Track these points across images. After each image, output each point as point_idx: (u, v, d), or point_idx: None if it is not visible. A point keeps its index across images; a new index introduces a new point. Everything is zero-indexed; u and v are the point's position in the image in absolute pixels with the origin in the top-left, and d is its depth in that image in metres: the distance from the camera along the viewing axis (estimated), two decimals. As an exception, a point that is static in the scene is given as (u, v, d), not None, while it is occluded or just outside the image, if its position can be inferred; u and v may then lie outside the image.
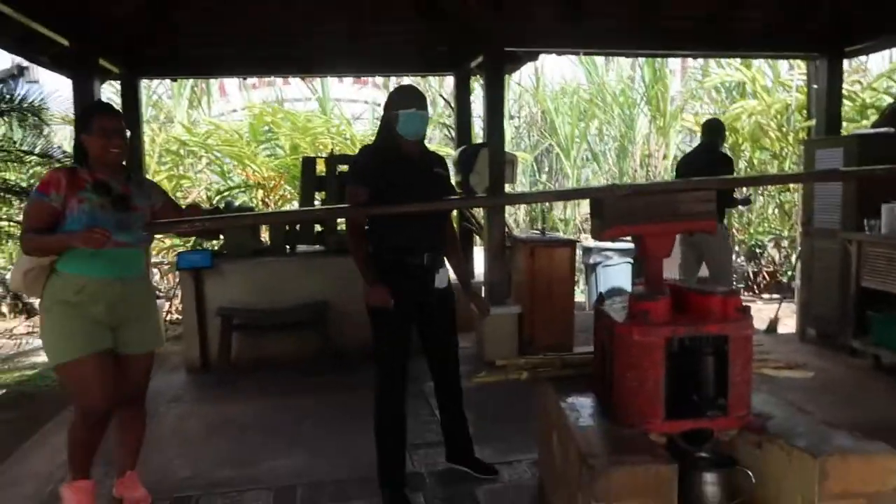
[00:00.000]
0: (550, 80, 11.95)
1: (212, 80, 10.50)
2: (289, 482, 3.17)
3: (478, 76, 6.34)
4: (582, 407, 2.45)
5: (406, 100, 2.87)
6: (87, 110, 2.81)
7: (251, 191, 8.21)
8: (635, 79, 10.83)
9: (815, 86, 6.32)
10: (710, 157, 5.50)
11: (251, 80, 10.91)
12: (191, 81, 10.11)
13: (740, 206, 7.37)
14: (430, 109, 3.08)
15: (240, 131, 9.07)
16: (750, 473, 2.19)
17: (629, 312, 2.27)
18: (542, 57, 8.15)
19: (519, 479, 3.19)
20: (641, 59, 9.96)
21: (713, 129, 5.67)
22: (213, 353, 5.06)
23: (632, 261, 8.21)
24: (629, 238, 9.35)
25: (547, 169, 11.88)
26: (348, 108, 12.00)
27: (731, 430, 2.26)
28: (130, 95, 5.98)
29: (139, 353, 2.81)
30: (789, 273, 8.39)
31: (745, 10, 5.73)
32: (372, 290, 2.84)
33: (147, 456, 3.12)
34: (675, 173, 6.52)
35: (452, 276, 3.13)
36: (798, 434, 2.16)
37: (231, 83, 11.53)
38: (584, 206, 10.63)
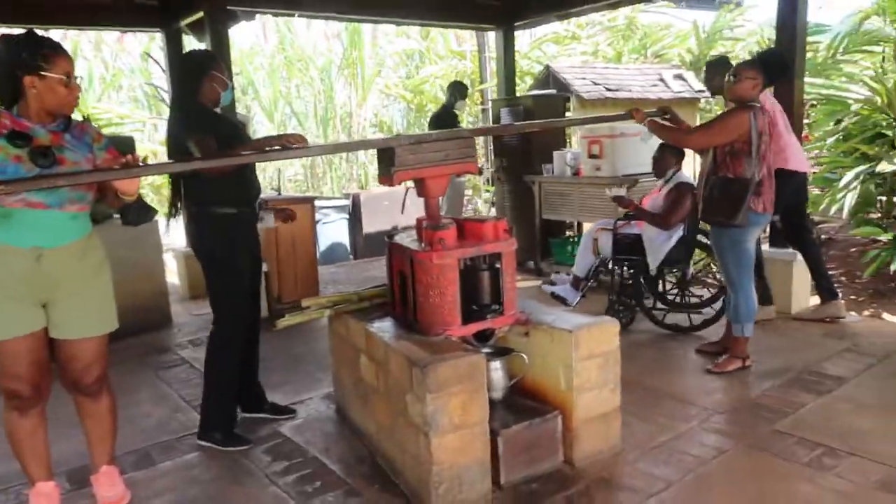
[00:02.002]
0: (238, 39, 11.61)
1: None
2: (80, 463, 2.98)
3: (188, 34, 6.08)
4: (388, 328, 2.85)
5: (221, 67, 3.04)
6: (39, 44, 2.19)
7: None
8: (332, 42, 11.23)
9: (492, 55, 7.47)
10: (447, 112, 6.71)
11: None
12: None
13: None
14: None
15: None
16: (524, 356, 2.83)
17: (427, 241, 2.71)
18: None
19: (316, 412, 3.48)
20: (341, 25, 10.37)
21: (449, 88, 6.83)
22: None
23: (347, 216, 8.78)
24: (344, 196, 9.89)
25: (253, 131, 11.70)
26: None
27: (506, 326, 2.88)
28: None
29: (77, 339, 2.39)
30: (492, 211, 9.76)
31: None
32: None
33: None
34: (428, 126, 7.51)
35: None
36: (551, 320, 2.86)
37: None
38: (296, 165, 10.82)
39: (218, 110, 3.15)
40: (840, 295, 4.78)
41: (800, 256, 4.78)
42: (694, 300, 4.72)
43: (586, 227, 5.71)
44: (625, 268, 4.57)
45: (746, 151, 3.43)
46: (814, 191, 7.09)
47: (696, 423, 3.14)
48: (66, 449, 2.98)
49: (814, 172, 7.81)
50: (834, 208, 5.90)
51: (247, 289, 3.15)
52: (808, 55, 7.73)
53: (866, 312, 5.24)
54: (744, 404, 3.33)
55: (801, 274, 4.82)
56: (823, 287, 4.66)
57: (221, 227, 3.00)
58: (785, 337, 4.29)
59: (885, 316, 5.14)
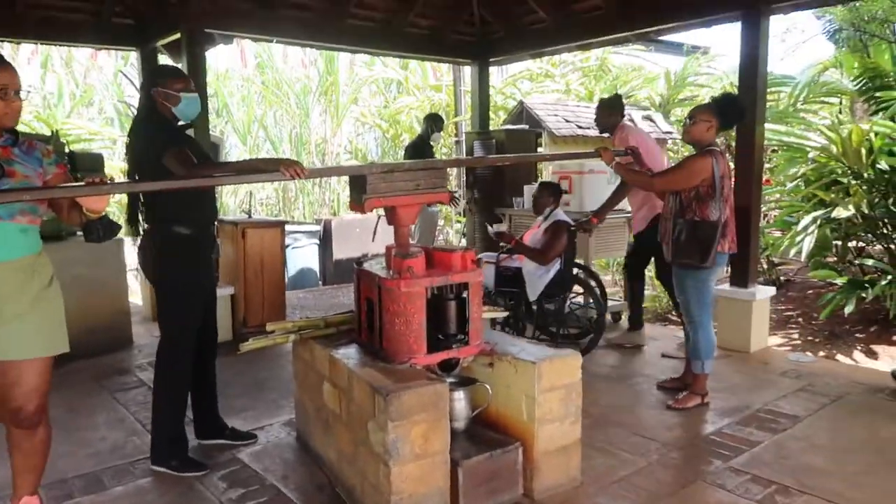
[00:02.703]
0: (214, 63, 11.63)
1: None
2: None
3: (164, 54, 6.08)
4: (353, 355, 2.85)
5: (184, 79, 2.96)
6: None
7: None
8: (309, 69, 11.31)
9: (467, 89, 7.60)
10: (422, 142, 6.74)
11: None
12: None
13: None
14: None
15: None
16: (487, 387, 2.85)
17: (395, 269, 2.73)
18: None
19: (277, 438, 3.44)
20: (315, 52, 10.46)
21: (425, 120, 6.85)
22: None
23: (318, 242, 8.76)
24: (316, 221, 9.85)
25: (225, 153, 11.66)
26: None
27: (471, 356, 2.90)
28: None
29: (19, 361, 2.25)
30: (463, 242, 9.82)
31: (415, 17, 6.60)
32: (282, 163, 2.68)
33: None
34: (403, 155, 7.52)
35: None
36: (516, 351, 2.89)
37: None
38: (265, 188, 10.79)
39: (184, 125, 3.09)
40: (644, 325, 5.22)
41: (759, 296, 4.91)
42: (573, 331, 4.92)
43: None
44: (506, 299, 4.68)
45: (711, 194, 3.53)
46: (773, 233, 7.32)
47: (656, 457, 3.17)
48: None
49: (774, 215, 8.10)
50: (793, 251, 6.08)
51: (198, 309, 3.10)
52: (771, 103, 8.07)
53: (821, 353, 5.39)
54: (701, 441, 3.38)
55: (759, 313, 4.95)
56: (635, 317, 5.10)
57: (177, 245, 2.96)
58: (743, 375, 4.38)
59: (840, 357, 5.29)
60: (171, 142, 2.82)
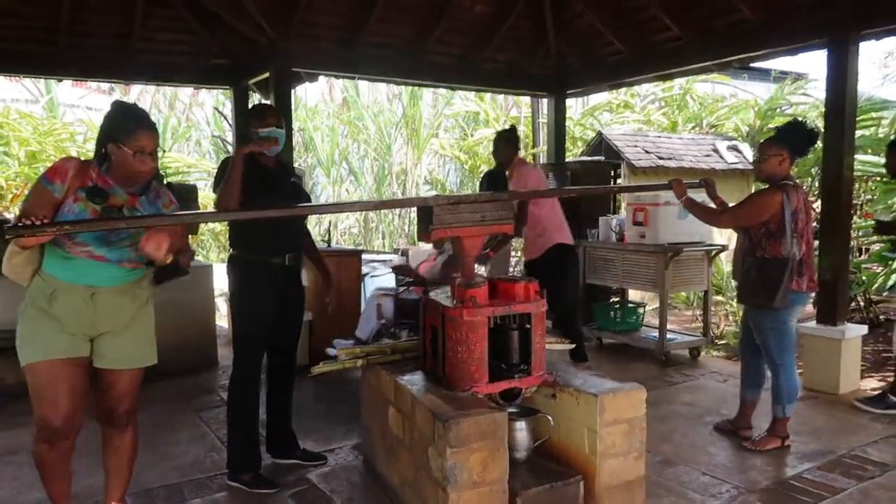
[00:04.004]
0: (304, 97, 12.24)
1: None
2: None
3: (255, 92, 6.48)
4: (417, 382, 2.91)
5: (265, 118, 3.14)
6: (127, 117, 2.42)
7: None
8: (393, 102, 11.70)
9: (545, 120, 7.65)
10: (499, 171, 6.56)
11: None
12: None
13: None
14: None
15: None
16: (549, 418, 2.84)
17: (458, 298, 2.79)
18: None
19: (345, 461, 3.54)
20: (398, 86, 10.81)
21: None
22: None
23: (392, 270, 8.96)
24: (394, 250, 10.09)
25: (311, 186, 12.20)
26: (82, 114, 11.05)
27: (533, 387, 2.90)
28: None
29: (116, 370, 2.55)
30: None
31: (492, 52, 6.74)
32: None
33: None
34: (479, 182, 7.54)
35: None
36: (579, 383, 2.87)
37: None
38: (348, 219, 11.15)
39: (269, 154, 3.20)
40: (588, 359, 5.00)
41: (849, 335, 4.64)
42: None
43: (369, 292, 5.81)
44: (406, 330, 4.54)
45: (782, 231, 3.40)
46: (873, 269, 6.89)
47: (727, 499, 3.05)
48: (94, 484, 3.05)
49: (867, 250, 7.62)
50: (890, 286, 5.72)
51: (264, 337, 3.23)
52: (868, 130, 7.63)
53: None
54: (779, 485, 3.22)
55: (850, 352, 4.67)
56: (575, 351, 4.80)
57: (246, 273, 3.15)
58: (829, 418, 4.14)
59: (943, 403, 4.89)
60: (220, 178, 3.04)
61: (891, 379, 4.56)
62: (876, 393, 4.48)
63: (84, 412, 2.50)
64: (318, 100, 12.94)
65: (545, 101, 7.75)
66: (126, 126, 2.38)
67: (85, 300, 2.41)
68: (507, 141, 4.90)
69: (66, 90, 11.12)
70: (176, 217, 2.30)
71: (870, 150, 7.10)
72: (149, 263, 2.50)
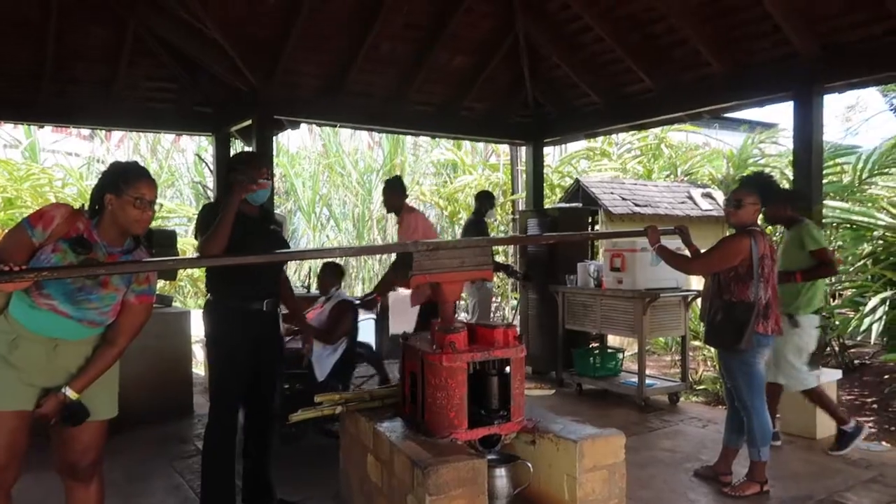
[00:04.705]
0: (286, 144, 12.37)
1: None
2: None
3: (237, 138, 6.55)
4: (396, 428, 2.90)
5: (261, 167, 3.22)
6: (128, 169, 2.44)
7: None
8: (374, 149, 11.85)
9: (523, 168, 7.80)
10: (479, 221, 6.71)
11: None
12: None
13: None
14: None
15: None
16: (529, 465, 2.83)
17: (437, 344, 2.81)
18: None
19: (322, 511, 3.46)
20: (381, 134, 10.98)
21: (477, 198, 6.87)
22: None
23: (375, 317, 8.92)
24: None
25: (291, 232, 12.21)
26: (62, 159, 11.03)
27: (513, 433, 2.90)
28: None
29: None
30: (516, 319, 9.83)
31: (471, 101, 6.90)
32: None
33: None
34: (461, 233, 7.65)
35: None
36: (558, 429, 2.87)
37: None
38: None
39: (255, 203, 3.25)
40: None
41: (824, 379, 4.69)
42: None
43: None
44: (290, 382, 4.48)
45: (750, 275, 3.50)
46: (847, 314, 7.01)
47: (708, 547, 3.04)
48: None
49: (840, 295, 7.78)
50: (862, 332, 5.81)
51: (241, 383, 3.19)
52: (835, 177, 7.87)
53: (899, 442, 5.06)
54: (760, 531, 3.22)
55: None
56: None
57: (224, 318, 3.15)
58: (807, 463, 4.16)
59: (918, 447, 4.94)
60: (204, 225, 3.07)
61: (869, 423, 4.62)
62: (834, 435, 4.54)
63: (19, 470, 2.41)
64: (299, 145, 13.08)
65: (523, 148, 7.93)
66: (127, 177, 2.40)
67: (47, 351, 2.36)
68: (392, 189, 5.02)
69: (46, 135, 11.14)
70: (157, 262, 2.30)
71: (837, 197, 7.33)
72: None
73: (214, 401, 3.20)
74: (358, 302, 4.76)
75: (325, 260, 4.97)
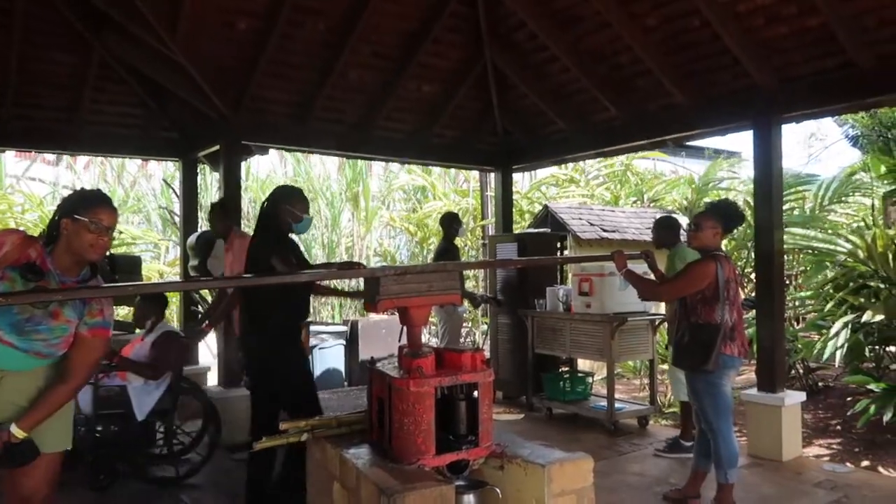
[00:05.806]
0: (256, 169, 12.32)
1: None
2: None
3: (204, 164, 6.49)
4: (363, 455, 2.85)
5: (305, 204, 3.65)
6: (88, 195, 2.41)
7: None
8: (343, 171, 11.85)
9: (493, 193, 7.85)
10: (451, 245, 6.53)
11: None
12: None
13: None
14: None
15: None
16: (497, 490, 2.80)
17: (405, 369, 2.78)
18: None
19: (288, 543, 3.38)
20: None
21: (443, 222, 6.66)
22: None
23: (345, 343, 8.84)
24: (343, 322, 9.95)
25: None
26: (24, 186, 10.81)
27: (481, 458, 2.87)
28: None
29: None
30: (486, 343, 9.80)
31: (440, 128, 6.95)
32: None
33: None
34: (433, 258, 7.46)
35: None
36: (526, 454, 2.86)
37: None
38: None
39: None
40: None
41: (788, 401, 4.77)
42: (178, 448, 4.57)
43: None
44: (114, 427, 4.20)
45: (716, 297, 3.57)
46: (811, 337, 7.15)
47: (677, 572, 3.03)
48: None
49: (804, 319, 7.95)
50: (826, 355, 5.94)
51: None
52: (795, 204, 8.09)
53: (864, 463, 5.14)
54: (728, 554, 3.22)
55: (790, 419, 4.78)
56: None
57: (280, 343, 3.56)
58: (774, 485, 4.20)
59: (881, 469, 5.03)
60: (280, 250, 3.47)
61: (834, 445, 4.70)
62: (671, 439, 4.98)
63: None
64: (269, 170, 13.03)
65: (493, 174, 7.99)
66: (86, 202, 2.35)
67: None
68: (218, 214, 4.93)
69: (9, 160, 10.93)
70: (116, 288, 2.25)
71: (796, 223, 7.53)
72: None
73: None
74: (183, 336, 4.56)
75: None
